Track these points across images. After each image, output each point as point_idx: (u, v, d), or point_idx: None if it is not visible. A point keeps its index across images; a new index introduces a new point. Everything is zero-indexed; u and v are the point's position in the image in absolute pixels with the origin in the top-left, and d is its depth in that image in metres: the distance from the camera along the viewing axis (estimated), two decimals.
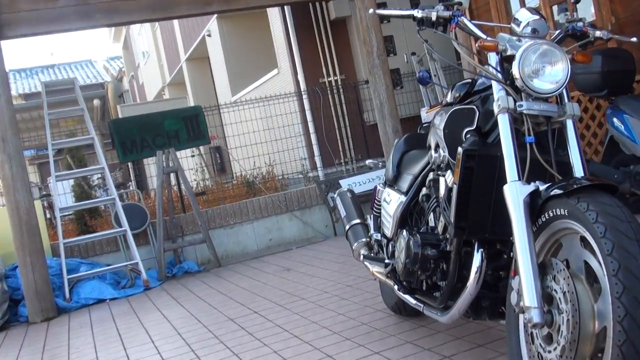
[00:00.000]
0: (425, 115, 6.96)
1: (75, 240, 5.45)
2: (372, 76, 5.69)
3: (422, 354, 2.53)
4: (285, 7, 7.77)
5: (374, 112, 6.05)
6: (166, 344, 3.43)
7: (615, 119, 4.07)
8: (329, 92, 7.89)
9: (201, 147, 7.55)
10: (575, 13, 2.05)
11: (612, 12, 4.81)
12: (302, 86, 7.89)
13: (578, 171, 1.86)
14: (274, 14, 8.39)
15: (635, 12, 4.64)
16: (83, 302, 4.94)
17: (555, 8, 5.49)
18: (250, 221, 6.29)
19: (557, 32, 2.06)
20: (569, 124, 1.89)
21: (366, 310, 3.34)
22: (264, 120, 7.56)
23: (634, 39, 2.22)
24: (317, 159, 7.87)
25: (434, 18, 2.00)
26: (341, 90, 7.93)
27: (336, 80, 7.92)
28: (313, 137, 7.85)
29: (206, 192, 7.42)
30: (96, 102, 9.72)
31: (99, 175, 7.34)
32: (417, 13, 2.02)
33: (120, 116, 8.12)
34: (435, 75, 6.90)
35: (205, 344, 3.28)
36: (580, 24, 2.03)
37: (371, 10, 2.19)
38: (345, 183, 6.28)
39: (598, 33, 2.04)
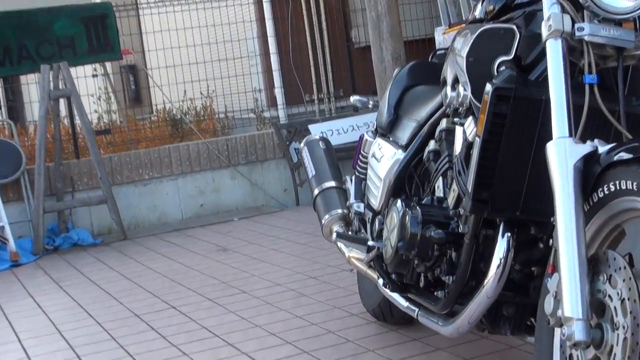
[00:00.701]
0: (442, 37, 6.85)
1: None
2: None
3: None
4: None
5: (367, 28, 5.98)
6: (39, 344, 3.45)
7: None
8: None
9: (108, 64, 7.51)
10: None
11: None
12: None
13: None
14: None
15: None
16: None
17: None
18: (174, 177, 6.25)
19: None
20: None
21: (335, 313, 3.38)
22: (203, 31, 7.45)
23: None
24: (279, 93, 7.74)
25: None
26: None
27: None
28: (274, 59, 7.69)
29: (112, 131, 7.32)
30: None
31: None
32: None
33: None
34: None
35: (96, 348, 3.30)
36: None
37: None
38: (317, 129, 6.24)
39: None
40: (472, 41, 2.16)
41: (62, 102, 6.13)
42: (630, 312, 1.63)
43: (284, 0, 7.78)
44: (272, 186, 6.51)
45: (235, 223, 5.97)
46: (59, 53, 5.95)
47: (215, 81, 7.62)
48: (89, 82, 7.77)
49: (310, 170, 3.19)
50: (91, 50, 6.18)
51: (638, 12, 1.85)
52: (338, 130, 6.30)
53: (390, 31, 5.66)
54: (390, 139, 2.81)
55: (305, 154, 3.27)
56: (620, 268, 1.70)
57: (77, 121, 6.15)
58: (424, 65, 2.93)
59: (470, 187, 2.05)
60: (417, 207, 2.32)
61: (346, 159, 4.32)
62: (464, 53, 2.18)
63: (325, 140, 3.33)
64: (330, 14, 7.96)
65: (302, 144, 3.36)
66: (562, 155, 1.77)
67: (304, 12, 7.85)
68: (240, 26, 7.68)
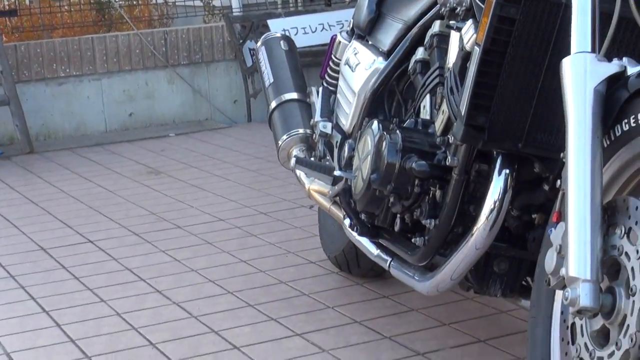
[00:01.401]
0: None
1: None
2: None
3: (380, 345, 2.63)
4: None
5: None
6: None
7: None
8: None
9: None
10: None
11: None
12: None
13: None
14: None
15: None
16: None
17: None
18: (97, 76, 6.23)
19: None
20: None
21: (288, 259, 3.45)
22: None
23: None
24: None
25: None
26: None
27: None
28: None
29: (18, 12, 7.27)
30: None
31: None
32: None
33: None
34: None
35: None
36: None
37: None
38: (279, 25, 6.22)
39: None
40: None
41: None
42: None
43: None
44: (220, 95, 6.52)
45: (172, 139, 5.99)
46: None
47: None
48: None
49: (268, 78, 3.19)
50: None
51: None
52: (305, 29, 6.28)
53: None
54: (370, 42, 2.81)
55: (262, 56, 3.26)
56: None
57: None
58: None
59: (463, 109, 2.05)
60: (397, 131, 2.32)
61: (313, 65, 4.31)
62: None
63: (288, 39, 3.31)
64: None
65: (258, 43, 3.33)
66: (581, 74, 1.76)
67: None
68: None
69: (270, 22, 6.36)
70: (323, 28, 6.27)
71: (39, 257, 3.66)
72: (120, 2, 7.56)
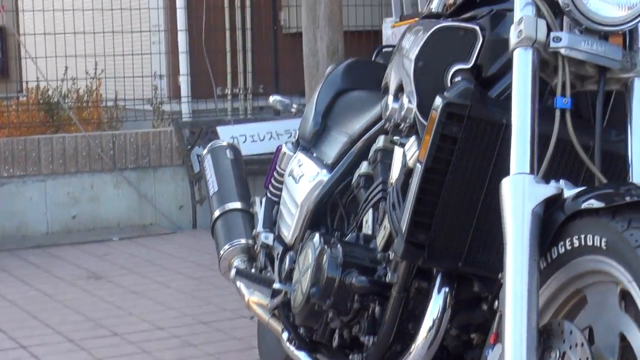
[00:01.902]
0: (391, 31, 6.97)
1: None
2: None
3: None
4: None
5: (300, 10, 6.06)
6: None
7: None
8: None
9: None
10: None
11: None
12: None
13: (638, 175, 1.85)
14: None
15: None
16: None
17: None
18: (42, 177, 6.21)
19: None
20: (638, 87, 1.88)
21: None
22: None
23: None
24: (184, 82, 7.70)
25: None
26: None
27: None
28: (182, 38, 7.63)
29: None
30: None
31: None
32: None
33: None
34: None
35: None
36: None
37: None
38: (227, 133, 6.28)
39: None
40: (423, 41, 2.17)
41: None
42: None
43: None
44: (165, 201, 6.52)
45: (115, 244, 5.95)
46: None
47: (106, 59, 7.59)
48: None
49: (212, 186, 3.20)
50: None
51: (630, 24, 1.87)
52: (253, 137, 6.34)
53: (328, 17, 5.62)
54: (314, 154, 2.82)
55: (208, 164, 3.27)
56: (577, 345, 1.72)
57: None
58: (364, 64, 2.94)
59: (404, 226, 2.05)
60: (339, 245, 2.31)
61: (259, 174, 4.33)
62: (413, 55, 2.19)
63: (234, 148, 3.33)
64: None
65: (204, 151, 3.34)
66: (520, 196, 1.78)
67: None
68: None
69: (219, 128, 6.40)
70: (271, 137, 6.31)
71: None
72: (70, 104, 7.51)
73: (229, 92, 7.90)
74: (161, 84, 7.95)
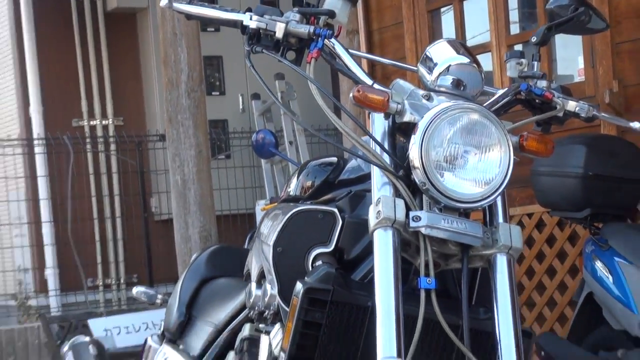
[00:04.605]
0: (263, 213, 6.08)
1: None
2: (173, 128, 4.19)
3: None
4: None
5: (171, 196, 4.26)
6: None
7: (598, 264, 3.19)
8: (89, 146, 5.61)
9: None
10: (536, 63, 1.71)
11: (614, 73, 3.72)
12: (38, 129, 5.57)
13: (507, 353, 1.49)
14: None
15: None
16: None
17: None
18: None
19: (502, 92, 1.70)
20: (501, 263, 1.51)
21: None
22: None
23: (637, 125, 1.83)
24: (51, 275, 5.55)
25: (279, 34, 1.57)
26: (113, 147, 5.71)
27: (106, 126, 5.76)
28: (47, 230, 5.51)
29: None
30: None
31: None
32: (250, 20, 1.59)
33: None
34: (290, 143, 5.35)
35: None
36: (542, 83, 1.67)
37: (163, 2, 1.67)
38: (100, 325, 4.66)
39: (573, 105, 1.69)
40: (281, 225, 1.74)
41: None
42: None
43: (63, 151, 5.54)
44: None
45: None
46: None
47: None
48: None
49: None
50: None
51: (488, 200, 1.53)
52: (127, 328, 4.68)
53: (199, 201, 4.34)
54: (180, 347, 2.24)
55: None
56: None
57: None
58: (229, 250, 2.44)
59: None
60: None
61: None
62: (271, 241, 1.76)
63: (97, 343, 2.80)
64: (124, 175, 5.86)
65: (66, 347, 2.67)
66: None
67: (91, 168, 5.83)
68: (3, 183, 5.60)
69: (90, 321, 4.85)
70: (147, 327, 4.75)
71: None
72: None
73: (101, 283, 5.95)
74: (26, 277, 5.82)
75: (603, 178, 3.22)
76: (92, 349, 2.68)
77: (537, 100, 1.73)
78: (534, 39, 1.79)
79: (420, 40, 4.64)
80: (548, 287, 4.02)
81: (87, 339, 2.80)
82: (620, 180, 3.26)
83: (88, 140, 5.89)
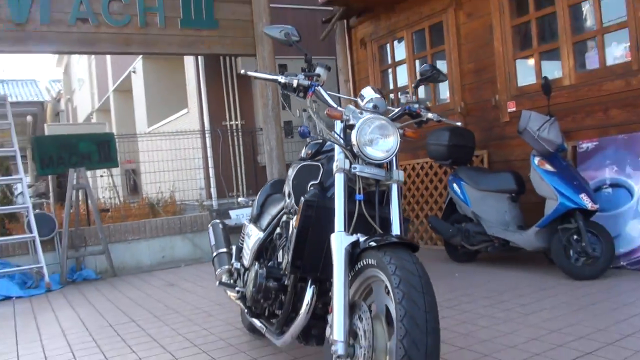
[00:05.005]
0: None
1: None
2: (265, 125, 6.23)
3: None
4: (199, 57, 8.70)
5: (265, 155, 6.38)
6: (51, 343, 3.65)
7: (454, 184, 4.89)
8: (229, 134, 8.81)
9: (113, 170, 8.06)
10: (414, 96, 2.31)
11: (462, 98, 5.71)
12: (207, 126, 8.83)
13: (395, 228, 2.00)
14: (189, 61, 9.32)
15: (479, 100, 5.55)
16: None
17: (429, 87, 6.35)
18: (147, 239, 6.75)
19: (397, 109, 2.24)
20: (394, 187, 2.04)
21: (227, 327, 3.58)
22: (171, 152, 8.18)
23: (459, 124, 2.53)
24: (213, 190, 8.71)
25: (295, 85, 2.15)
26: (240, 134, 8.88)
27: (237, 125, 8.98)
28: (211, 171, 8.64)
29: (110, 210, 7.89)
30: (29, 118, 10.43)
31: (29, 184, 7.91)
32: (281, 79, 2.16)
33: (46, 133, 8.87)
34: (319, 132, 7.32)
35: (84, 346, 3.48)
36: (415, 105, 2.25)
37: (242, 71, 2.28)
38: (234, 213, 6.71)
39: (430, 115, 2.26)
40: (295, 171, 2.30)
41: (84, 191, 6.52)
42: (367, 339, 1.80)
43: (219, 136, 8.67)
44: (206, 246, 6.88)
45: (182, 268, 6.49)
46: (81, 162, 6.56)
47: (176, 182, 8.35)
48: (100, 180, 8.94)
49: (212, 240, 3.34)
50: (100, 160, 6.76)
51: (387, 159, 2.02)
52: (247, 215, 6.38)
53: (277, 158, 6.24)
54: (257, 224, 2.89)
55: (210, 231, 3.41)
56: (365, 312, 1.87)
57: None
58: (280, 182, 3.03)
59: (289, 257, 2.17)
60: (264, 267, 2.44)
61: (237, 232, 4.63)
62: (291, 178, 2.34)
63: (223, 222, 3.44)
64: (245, 145, 8.97)
65: (209, 225, 3.46)
66: (339, 242, 1.94)
67: (230, 143, 8.86)
68: (192, 150, 8.47)
69: (230, 211, 6.78)
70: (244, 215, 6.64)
71: (108, 331, 3.84)
72: (161, 203, 8.27)
73: (234, 194, 8.72)
74: (202, 192, 8.75)
75: (457, 146, 4.84)
76: (220, 225, 3.37)
77: (414, 113, 2.31)
78: (413, 85, 2.38)
79: (377, 84, 6.82)
80: (434, 195, 5.90)
81: (218, 221, 3.44)
82: (464, 147, 4.86)
83: (229, 131, 8.96)
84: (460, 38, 5.65)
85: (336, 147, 2.04)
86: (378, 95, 2.12)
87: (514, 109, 5.14)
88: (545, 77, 4.34)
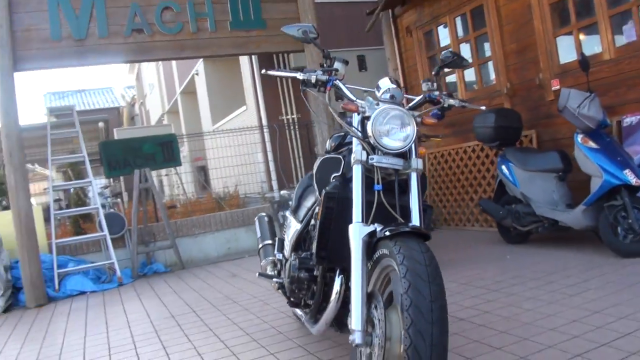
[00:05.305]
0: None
1: (64, 240, 6.23)
2: (317, 117, 6.24)
3: (307, 357, 2.76)
4: (253, 56, 8.87)
5: (319, 147, 6.58)
6: (117, 335, 3.77)
7: (503, 166, 4.76)
8: (286, 128, 9.07)
9: (179, 168, 8.26)
10: (434, 84, 2.24)
11: (507, 79, 5.50)
12: (264, 121, 9.10)
13: (415, 217, 1.96)
14: (244, 60, 9.58)
15: (523, 80, 5.34)
16: (69, 292, 5.70)
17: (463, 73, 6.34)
18: (213, 232, 6.91)
19: (418, 98, 2.22)
20: (413, 176, 2.01)
21: (278, 315, 3.63)
22: (234, 148, 8.38)
23: (483, 108, 2.44)
24: (274, 183, 8.97)
25: (313, 80, 2.14)
26: (296, 127, 9.11)
27: (293, 119, 9.22)
28: (271, 164, 8.91)
29: (177, 206, 8.15)
30: (101, 124, 11.07)
31: (102, 185, 8.67)
32: (300, 75, 2.15)
33: (116, 138, 9.31)
34: (336, 125, 7.01)
35: (145, 336, 3.57)
36: (435, 93, 2.20)
37: (263, 71, 2.27)
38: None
39: (451, 101, 2.21)
40: (319, 164, 2.34)
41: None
42: (380, 328, 1.78)
43: (276, 130, 8.97)
44: None
45: (246, 259, 6.57)
46: (146, 163, 6.78)
47: (239, 177, 8.50)
48: (165, 179, 9.53)
49: (258, 233, 3.39)
50: (164, 161, 6.98)
51: (404, 149, 2.00)
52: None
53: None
54: (295, 216, 2.94)
55: (257, 224, 3.47)
56: (379, 301, 1.85)
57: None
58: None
59: (314, 248, 2.17)
60: (297, 259, 2.44)
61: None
62: (315, 170, 2.37)
63: (268, 216, 3.48)
64: (302, 138, 9.28)
65: (255, 219, 3.52)
66: (356, 232, 1.93)
67: (287, 137, 9.13)
68: (253, 146, 8.76)
69: (290, 202, 6.91)
70: None
71: (169, 321, 3.95)
72: (226, 198, 8.48)
73: (295, 185, 8.23)
74: (263, 185, 9.06)
75: (503, 127, 4.65)
76: (266, 218, 3.41)
77: (435, 100, 2.25)
78: (433, 72, 2.32)
79: (424, 70, 6.74)
80: (487, 177, 5.80)
81: (264, 213, 3.47)
82: (509, 127, 4.67)
83: (286, 125, 9.23)
84: (501, 19, 5.47)
85: (354, 140, 2.04)
86: (394, 86, 2.10)
87: (558, 86, 4.91)
88: (582, 54, 4.13)
